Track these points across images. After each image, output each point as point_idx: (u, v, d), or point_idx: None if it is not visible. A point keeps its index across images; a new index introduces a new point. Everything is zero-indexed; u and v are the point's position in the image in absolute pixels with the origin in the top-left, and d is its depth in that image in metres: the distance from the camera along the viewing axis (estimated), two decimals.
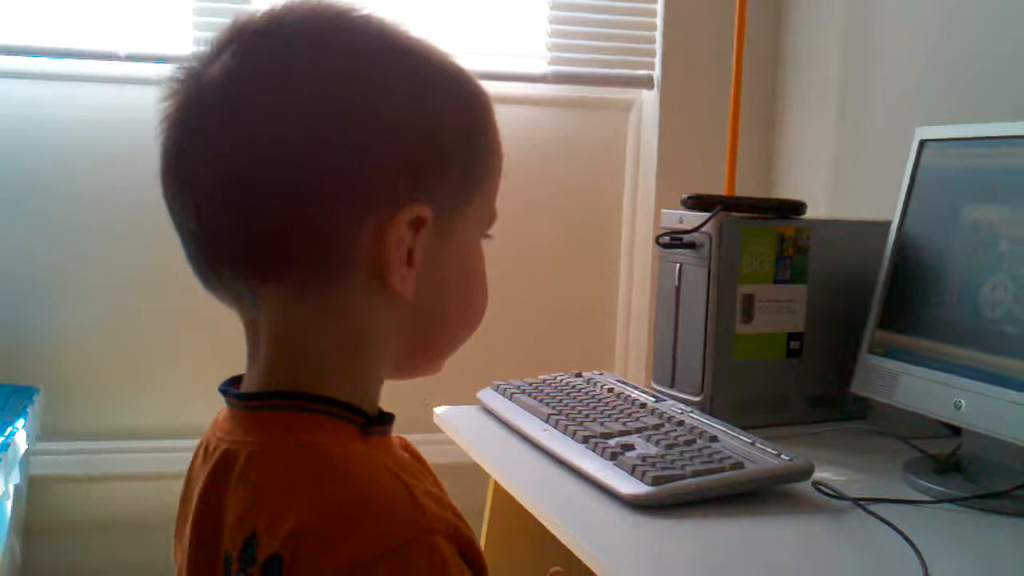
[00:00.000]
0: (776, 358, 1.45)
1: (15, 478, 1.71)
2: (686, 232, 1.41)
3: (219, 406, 0.70)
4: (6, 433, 1.64)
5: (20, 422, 1.70)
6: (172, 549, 0.72)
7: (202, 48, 0.64)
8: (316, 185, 0.61)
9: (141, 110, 2.05)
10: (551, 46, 2.15)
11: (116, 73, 1.93)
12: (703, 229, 1.39)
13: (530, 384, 1.50)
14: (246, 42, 0.63)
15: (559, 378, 1.52)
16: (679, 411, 1.31)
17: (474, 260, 0.71)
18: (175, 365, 2.01)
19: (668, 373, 1.47)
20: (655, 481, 1.05)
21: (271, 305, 0.64)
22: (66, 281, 1.95)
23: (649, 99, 2.24)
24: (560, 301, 2.24)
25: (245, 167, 0.61)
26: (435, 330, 0.70)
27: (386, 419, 0.68)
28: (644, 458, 1.11)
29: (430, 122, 0.65)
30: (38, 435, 1.86)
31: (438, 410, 1.52)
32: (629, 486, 1.06)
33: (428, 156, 0.64)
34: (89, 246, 1.95)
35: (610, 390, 1.43)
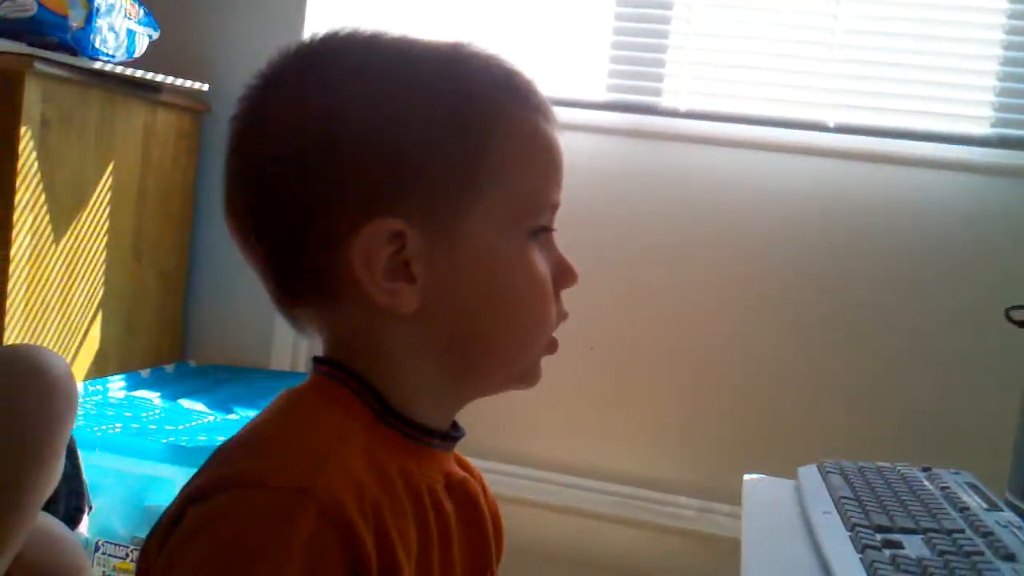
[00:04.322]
0: None
1: None
2: None
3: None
4: None
5: None
6: None
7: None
8: (286, 208, 0.64)
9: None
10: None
11: None
12: None
13: (859, 467, 1.30)
14: (272, 64, 0.68)
15: (899, 468, 1.30)
16: (1003, 524, 1.05)
17: (505, 261, 0.66)
18: (545, 399, 2.06)
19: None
20: None
21: (308, 320, 0.69)
22: None
23: None
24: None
25: (243, 191, 0.67)
26: (474, 340, 0.66)
27: (427, 431, 0.67)
28: (895, 558, 0.91)
29: (390, 131, 0.63)
30: None
31: (748, 477, 1.38)
32: None
33: (389, 167, 0.62)
34: None
35: (944, 488, 1.20)
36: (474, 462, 2.06)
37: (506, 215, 0.66)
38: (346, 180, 0.62)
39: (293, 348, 2.25)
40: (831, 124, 1.97)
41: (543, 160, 0.68)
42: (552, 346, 0.71)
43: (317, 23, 2.14)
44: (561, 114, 2.03)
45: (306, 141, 0.63)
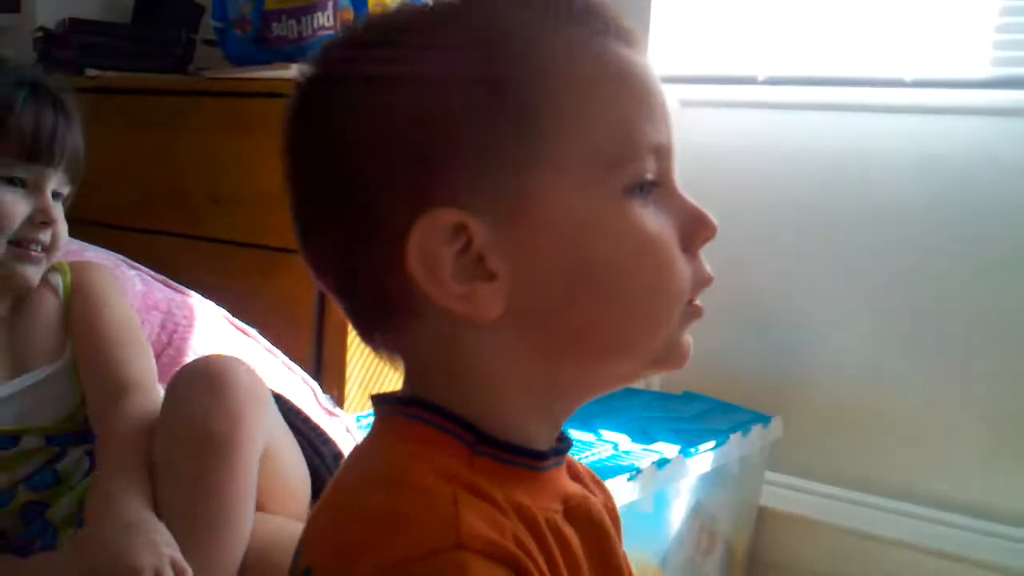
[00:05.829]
0: None
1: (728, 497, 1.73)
2: None
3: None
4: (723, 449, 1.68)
5: (735, 437, 1.71)
6: None
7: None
8: (338, 230, 0.57)
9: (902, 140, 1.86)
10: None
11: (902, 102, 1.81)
12: None
13: None
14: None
15: None
16: None
17: (597, 228, 0.54)
18: (926, 421, 1.80)
19: None
20: None
21: (391, 352, 0.62)
22: (829, 313, 1.90)
23: None
24: None
25: (300, 223, 0.61)
26: (583, 331, 0.55)
27: (535, 454, 0.58)
28: None
29: (415, 110, 0.54)
30: (772, 465, 1.85)
31: None
32: None
33: (425, 150, 0.53)
34: (858, 279, 1.86)
35: None
36: (848, 494, 1.84)
37: (585, 171, 0.54)
38: (384, 179, 0.54)
39: None
40: None
41: (618, 92, 0.55)
42: (692, 314, 0.58)
43: None
44: (937, 96, 1.78)
45: (337, 152, 0.56)
